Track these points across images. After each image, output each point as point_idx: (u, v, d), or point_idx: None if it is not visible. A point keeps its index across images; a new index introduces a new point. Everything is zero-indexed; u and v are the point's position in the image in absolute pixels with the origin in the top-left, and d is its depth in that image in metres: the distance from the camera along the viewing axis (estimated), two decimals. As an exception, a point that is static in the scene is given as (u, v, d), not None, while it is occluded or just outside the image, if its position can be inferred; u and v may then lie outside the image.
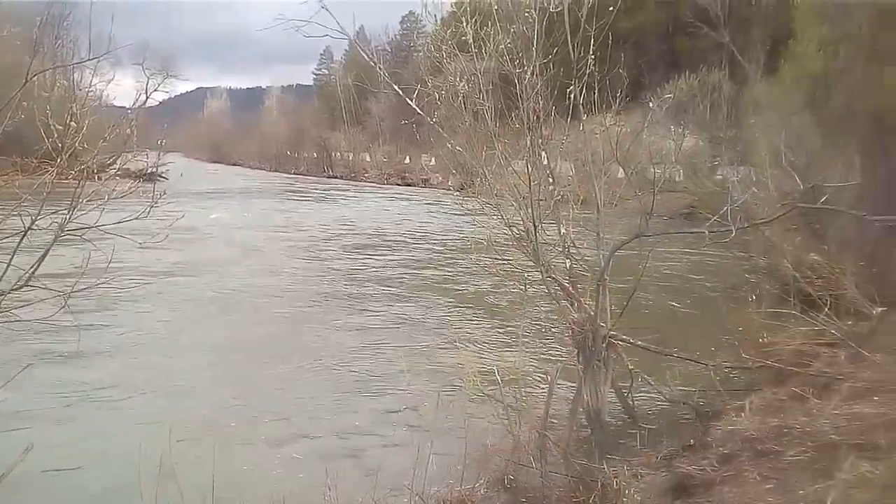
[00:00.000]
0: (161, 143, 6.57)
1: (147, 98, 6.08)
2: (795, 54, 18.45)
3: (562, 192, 7.79)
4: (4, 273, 4.17)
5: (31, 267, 4.21)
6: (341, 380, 9.98)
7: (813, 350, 8.53)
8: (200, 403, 8.93)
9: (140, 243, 4.78)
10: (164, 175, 14.99)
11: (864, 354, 7.54)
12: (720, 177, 24.38)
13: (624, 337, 7.94)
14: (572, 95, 7.38)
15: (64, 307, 4.37)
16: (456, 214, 7.82)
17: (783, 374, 7.90)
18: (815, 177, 10.07)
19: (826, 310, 9.08)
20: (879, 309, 9.63)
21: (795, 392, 7.02)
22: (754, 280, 12.05)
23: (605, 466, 5.94)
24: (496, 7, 7.62)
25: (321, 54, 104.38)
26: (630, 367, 7.95)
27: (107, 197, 4.30)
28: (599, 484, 5.77)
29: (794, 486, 4.94)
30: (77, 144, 4.10)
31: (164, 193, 4.55)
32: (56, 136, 3.99)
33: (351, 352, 11.31)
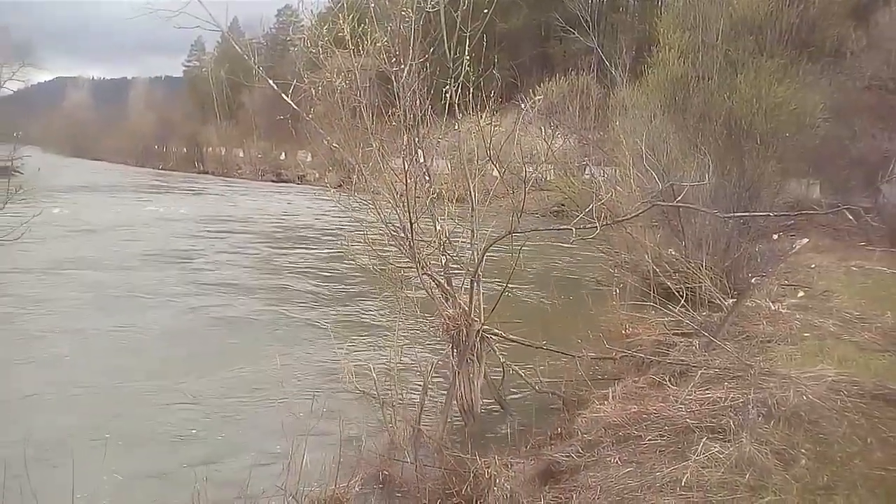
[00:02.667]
0: (17, 135, 6.19)
1: (0, 87, 5.74)
2: (658, 60, 19.44)
3: (438, 190, 7.92)
4: None
5: None
6: (208, 380, 9.66)
7: (671, 340, 9.09)
8: (58, 414, 8.41)
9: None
10: (19, 170, 14.06)
11: (717, 343, 8.09)
12: (588, 176, 25.32)
13: (496, 331, 8.17)
14: (448, 95, 7.52)
15: None
16: (347, 211, 7.87)
17: (644, 363, 8.37)
18: (674, 177, 10.66)
19: (683, 302, 9.67)
20: (730, 300, 10.35)
21: (654, 380, 7.45)
22: (618, 275, 12.62)
23: (478, 457, 6.08)
24: (373, 4, 7.64)
25: (192, 45, 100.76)
26: (502, 360, 8.18)
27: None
28: (472, 474, 5.92)
29: (652, 468, 5.24)
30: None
31: (20, 189, 4.29)
32: None
33: (218, 351, 11.01)
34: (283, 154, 64.54)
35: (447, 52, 7.57)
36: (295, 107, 7.75)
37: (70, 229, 23.76)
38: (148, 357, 10.53)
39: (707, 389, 6.60)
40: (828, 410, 5.81)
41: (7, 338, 11.28)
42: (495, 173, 7.98)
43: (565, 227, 7.06)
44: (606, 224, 7.05)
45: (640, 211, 8.44)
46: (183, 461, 7.13)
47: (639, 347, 9.07)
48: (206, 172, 71.58)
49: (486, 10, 7.70)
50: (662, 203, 8.73)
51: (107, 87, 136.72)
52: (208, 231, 26.57)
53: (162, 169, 77.44)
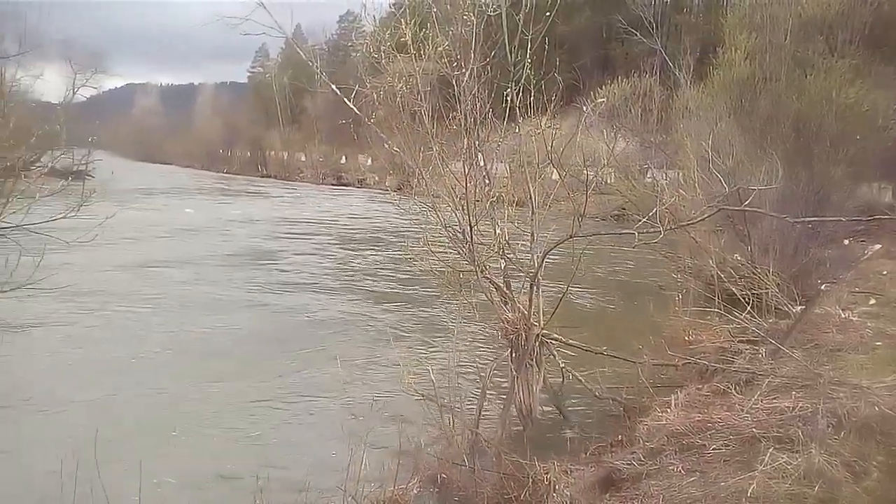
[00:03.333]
0: (92, 140, 6.38)
1: (74, 94, 5.93)
2: (723, 62, 19.08)
3: (498, 194, 7.90)
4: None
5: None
6: (275, 381, 9.86)
7: (735, 347, 8.86)
8: (129, 411, 8.67)
9: (68, 242, 4.65)
10: (90, 173, 14.56)
11: (784, 351, 7.86)
12: (650, 179, 24.91)
13: (556, 336, 8.10)
14: (509, 98, 7.50)
15: None
16: (407, 214, 8.05)
17: (707, 370, 8.18)
18: (740, 180, 10.42)
19: (748, 308, 9.43)
20: (798, 307, 10.06)
21: (719, 388, 7.28)
22: (681, 280, 12.40)
23: (536, 462, 6.03)
24: (435, 9, 7.67)
25: (256, 52, 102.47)
26: (561, 365, 8.10)
27: (37, 196, 4.14)
28: (530, 480, 5.87)
29: (717, 478, 5.11)
30: (3, 142, 3.93)
31: (94, 192, 4.42)
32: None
33: (286, 352, 11.20)
34: (344, 158, 65.32)
35: (508, 55, 7.56)
36: (357, 111, 7.83)
37: (147, 231, 24.83)
38: (217, 358, 10.82)
39: (774, 398, 6.42)
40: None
41: (88, 337, 11.70)
42: (555, 176, 7.92)
43: (628, 230, 6.97)
44: (670, 228, 6.91)
45: (705, 215, 8.26)
46: (246, 461, 7.26)
47: (702, 354, 8.87)
48: (269, 176, 72.94)
49: (548, 13, 7.64)
50: (728, 207, 8.53)
51: (174, 93, 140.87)
52: (282, 233, 27.44)
53: (226, 172, 79.20)
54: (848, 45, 18.07)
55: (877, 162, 18.00)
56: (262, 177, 72.81)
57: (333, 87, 8.05)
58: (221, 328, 12.57)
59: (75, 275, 15.39)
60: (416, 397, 7.16)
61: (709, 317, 10.22)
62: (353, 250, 23.33)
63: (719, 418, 6.19)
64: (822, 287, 11.43)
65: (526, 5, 7.40)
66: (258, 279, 17.62)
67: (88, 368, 10.17)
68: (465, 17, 7.41)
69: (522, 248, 8.08)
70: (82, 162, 7.81)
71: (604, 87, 34.94)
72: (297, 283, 17.38)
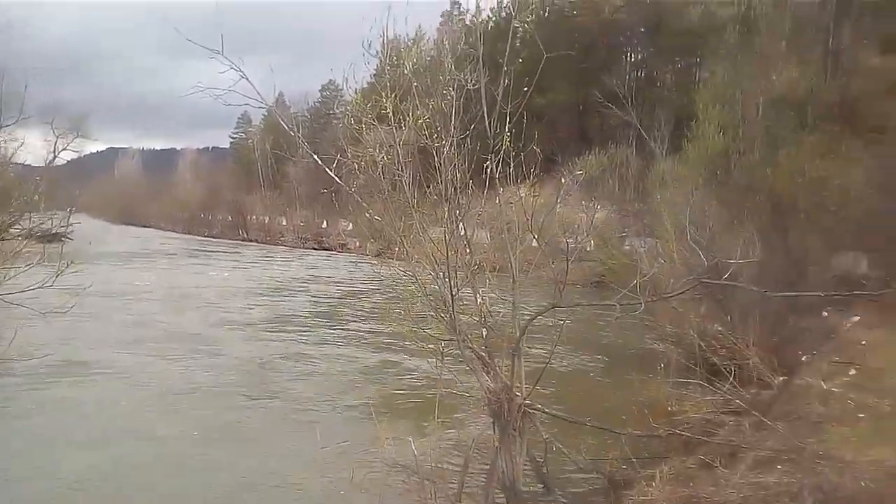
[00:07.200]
0: (71, 210, 6.35)
1: (55, 157, 5.94)
2: (697, 134, 19.53)
3: (478, 261, 7.88)
4: None
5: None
6: (252, 450, 9.64)
7: (719, 418, 8.82)
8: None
9: (43, 313, 4.57)
10: (69, 236, 14.41)
11: (767, 423, 7.81)
12: (628, 247, 25.17)
13: (538, 406, 7.98)
14: (489, 169, 7.55)
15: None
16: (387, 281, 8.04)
17: (691, 442, 8.09)
18: (718, 251, 10.49)
19: (731, 379, 9.41)
20: (780, 378, 10.04)
21: (703, 461, 7.19)
22: (662, 349, 12.37)
23: (520, 538, 5.89)
24: (415, 83, 7.77)
25: (239, 118, 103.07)
26: (545, 436, 7.97)
27: (22, 264, 4.08)
28: (513, 555, 5.72)
29: (704, 555, 5.02)
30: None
31: (73, 262, 4.36)
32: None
33: (265, 420, 10.98)
34: (325, 222, 65.62)
35: (487, 127, 7.64)
36: (337, 180, 7.86)
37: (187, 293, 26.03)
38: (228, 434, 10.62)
39: (759, 472, 6.37)
40: (889, 498, 5.54)
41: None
42: (535, 244, 7.93)
43: (609, 303, 6.96)
44: (650, 300, 6.90)
45: (684, 289, 8.25)
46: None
47: (685, 425, 8.79)
48: (251, 240, 72.87)
49: (525, 88, 7.76)
50: (707, 281, 8.53)
51: (156, 157, 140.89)
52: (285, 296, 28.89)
53: (207, 236, 79.04)
54: (819, 119, 18.53)
55: (852, 232, 18.27)
56: (244, 241, 72.72)
57: (315, 157, 8.09)
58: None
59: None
60: (398, 469, 7.01)
61: (691, 387, 10.17)
62: (344, 318, 23.21)
63: (705, 494, 6.13)
64: (804, 358, 11.43)
65: (504, 80, 7.52)
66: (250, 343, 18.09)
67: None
68: (444, 91, 7.53)
69: (504, 317, 8.02)
70: (61, 225, 7.76)
71: (581, 157, 35.53)
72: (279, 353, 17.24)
